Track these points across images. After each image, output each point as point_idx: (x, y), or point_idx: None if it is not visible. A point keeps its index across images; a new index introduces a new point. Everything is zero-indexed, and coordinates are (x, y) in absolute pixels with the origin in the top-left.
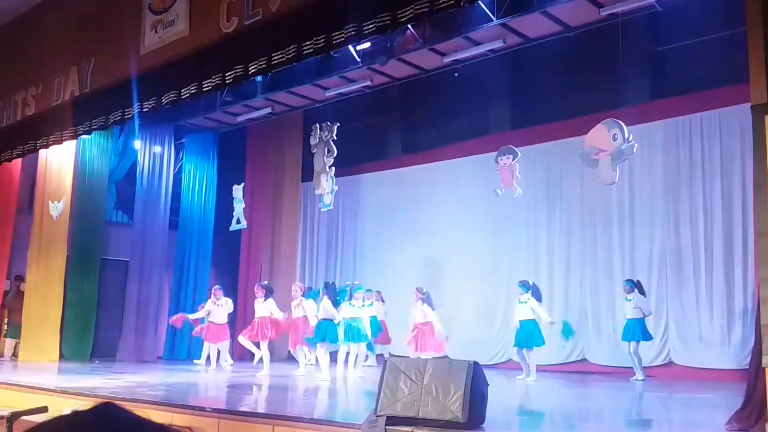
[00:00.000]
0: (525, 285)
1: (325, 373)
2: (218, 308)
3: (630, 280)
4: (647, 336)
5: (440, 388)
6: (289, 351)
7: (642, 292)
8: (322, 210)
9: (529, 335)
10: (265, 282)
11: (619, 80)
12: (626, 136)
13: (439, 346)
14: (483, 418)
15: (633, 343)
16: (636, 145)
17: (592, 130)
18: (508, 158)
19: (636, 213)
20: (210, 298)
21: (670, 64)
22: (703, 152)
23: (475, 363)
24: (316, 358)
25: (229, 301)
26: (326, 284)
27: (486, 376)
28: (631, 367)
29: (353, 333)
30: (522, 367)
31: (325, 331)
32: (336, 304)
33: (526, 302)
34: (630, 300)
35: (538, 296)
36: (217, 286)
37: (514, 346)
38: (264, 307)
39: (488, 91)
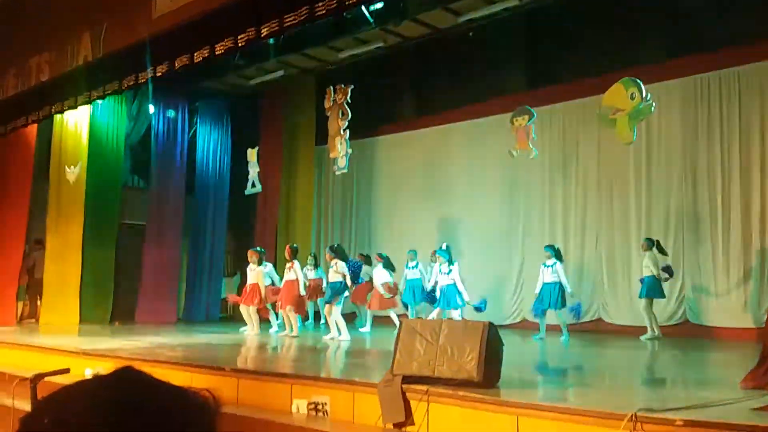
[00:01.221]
0: (551, 248)
1: (344, 333)
2: (250, 272)
3: (649, 239)
4: (652, 293)
5: (455, 348)
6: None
7: (661, 250)
8: (337, 173)
9: (552, 297)
10: (258, 247)
11: (637, 38)
12: (644, 95)
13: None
14: (498, 377)
15: (644, 300)
16: (654, 104)
17: (609, 90)
18: (523, 119)
19: (653, 173)
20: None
21: (688, 22)
22: (721, 111)
23: (491, 323)
24: (322, 319)
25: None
26: (331, 247)
27: (501, 336)
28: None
29: (450, 299)
30: (540, 328)
31: (340, 293)
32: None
33: (552, 266)
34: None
35: (560, 259)
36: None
37: (534, 308)
38: (257, 273)
39: (503, 50)
